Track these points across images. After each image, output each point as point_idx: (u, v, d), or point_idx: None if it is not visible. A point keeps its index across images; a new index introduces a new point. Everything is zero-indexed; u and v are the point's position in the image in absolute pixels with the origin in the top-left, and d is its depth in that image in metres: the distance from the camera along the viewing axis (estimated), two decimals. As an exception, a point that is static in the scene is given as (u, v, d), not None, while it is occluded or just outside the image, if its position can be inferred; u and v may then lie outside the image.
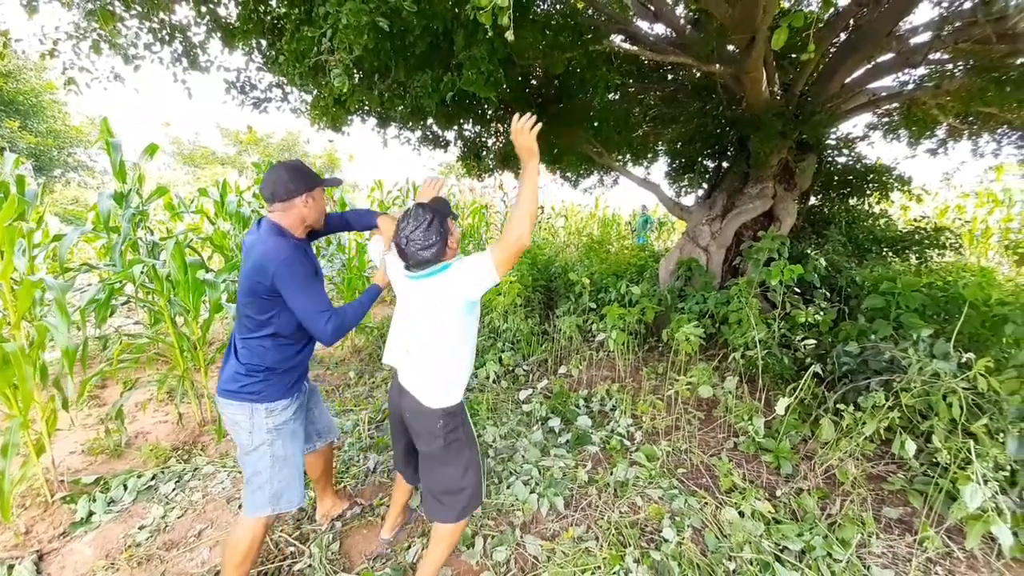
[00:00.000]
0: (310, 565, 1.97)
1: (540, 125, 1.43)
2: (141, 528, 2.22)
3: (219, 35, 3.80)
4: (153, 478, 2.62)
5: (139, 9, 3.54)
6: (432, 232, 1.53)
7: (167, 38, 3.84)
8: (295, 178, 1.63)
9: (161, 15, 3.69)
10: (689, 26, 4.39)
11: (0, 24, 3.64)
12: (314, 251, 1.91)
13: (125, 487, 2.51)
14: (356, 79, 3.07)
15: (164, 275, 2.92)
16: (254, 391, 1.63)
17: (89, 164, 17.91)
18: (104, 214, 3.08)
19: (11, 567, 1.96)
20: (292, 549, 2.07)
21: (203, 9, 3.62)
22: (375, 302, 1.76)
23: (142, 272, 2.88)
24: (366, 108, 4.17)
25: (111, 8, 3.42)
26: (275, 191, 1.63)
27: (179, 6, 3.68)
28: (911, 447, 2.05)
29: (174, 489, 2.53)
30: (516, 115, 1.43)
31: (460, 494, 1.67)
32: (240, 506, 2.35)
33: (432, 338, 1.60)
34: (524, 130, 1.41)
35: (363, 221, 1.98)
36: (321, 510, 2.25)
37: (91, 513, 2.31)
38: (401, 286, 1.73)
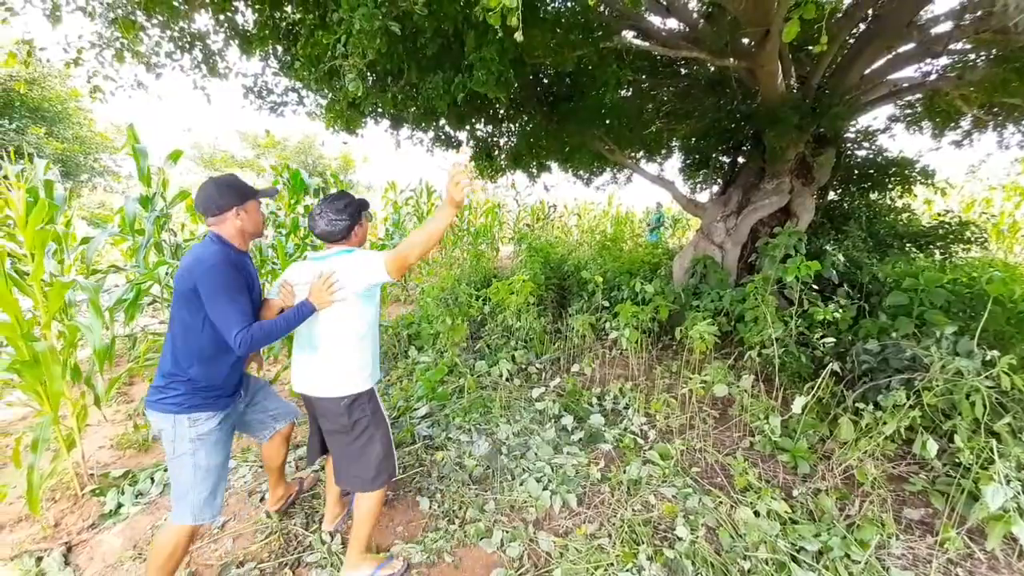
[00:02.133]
0: (324, 556, 2.02)
1: (476, 182, 1.54)
2: (167, 519, 2.29)
3: (237, 42, 3.90)
4: (178, 472, 2.70)
5: (160, 18, 3.65)
6: (344, 212, 1.75)
7: (187, 46, 3.96)
8: (224, 193, 1.67)
9: (181, 24, 3.80)
10: (702, 20, 4.34)
11: (25, 34, 3.79)
12: (254, 265, 1.86)
13: (152, 480, 2.60)
14: (369, 82, 3.12)
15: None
16: (175, 402, 1.62)
17: (114, 169, 18.38)
18: (130, 217, 3.19)
19: (39, 559, 2.04)
20: (307, 542, 2.12)
21: (221, 17, 3.72)
22: (302, 321, 1.67)
23: (167, 273, 2.97)
24: (379, 110, 4.23)
25: (133, 18, 3.53)
26: (206, 207, 1.66)
27: (198, 15, 3.78)
28: (933, 447, 2.01)
29: (198, 483, 2.61)
30: (457, 162, 1.53)
31: (367, 465, 1.79)
32: (261, 499, 2.43)
33: (333, 323, 1.70)
34: (459, 185, 1.51)
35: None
36: (272, 499, 2.29)
37: (120, 505, 2.40)
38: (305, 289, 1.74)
